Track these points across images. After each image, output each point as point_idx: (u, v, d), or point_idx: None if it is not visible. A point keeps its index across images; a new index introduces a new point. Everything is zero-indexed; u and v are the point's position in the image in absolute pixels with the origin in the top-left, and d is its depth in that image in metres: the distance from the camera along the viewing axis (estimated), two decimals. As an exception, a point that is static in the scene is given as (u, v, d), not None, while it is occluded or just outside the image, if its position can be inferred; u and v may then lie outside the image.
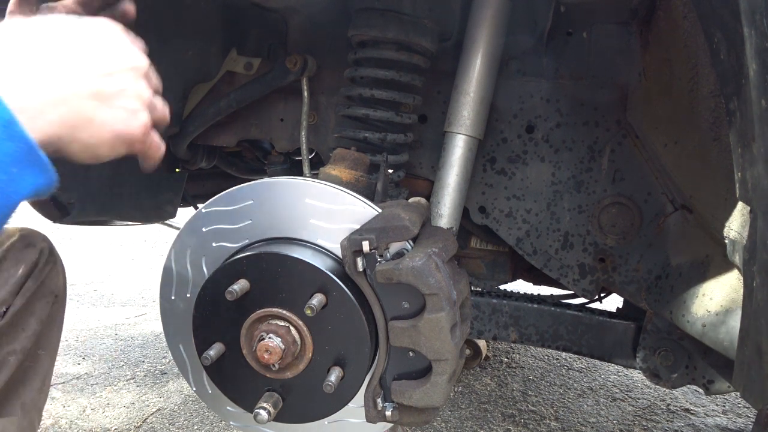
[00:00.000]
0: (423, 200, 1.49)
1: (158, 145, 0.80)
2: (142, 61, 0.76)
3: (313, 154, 1.77)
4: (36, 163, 0.60)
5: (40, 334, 1.25)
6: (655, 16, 1.35)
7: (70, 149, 0.67)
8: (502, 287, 1.83)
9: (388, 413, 1.11)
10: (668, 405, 2.71)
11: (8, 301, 1.20)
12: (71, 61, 0.66)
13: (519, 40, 1.50)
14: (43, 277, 1.27)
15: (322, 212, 1.12)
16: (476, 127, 1.44)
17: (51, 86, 0.63)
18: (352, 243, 1.06)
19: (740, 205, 0.90)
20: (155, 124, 0.79)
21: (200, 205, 1.21)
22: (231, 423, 1.25)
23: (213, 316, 1.13)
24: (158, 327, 3.43)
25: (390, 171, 1.52)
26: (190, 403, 2.56)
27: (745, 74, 0.78)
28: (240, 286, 1.06)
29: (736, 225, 0.92)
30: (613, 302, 1.82)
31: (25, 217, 1.25)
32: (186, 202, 2.14)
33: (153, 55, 1.70)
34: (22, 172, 0.59)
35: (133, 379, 2.80)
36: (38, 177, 0.61)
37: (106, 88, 0.69)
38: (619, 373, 3.01)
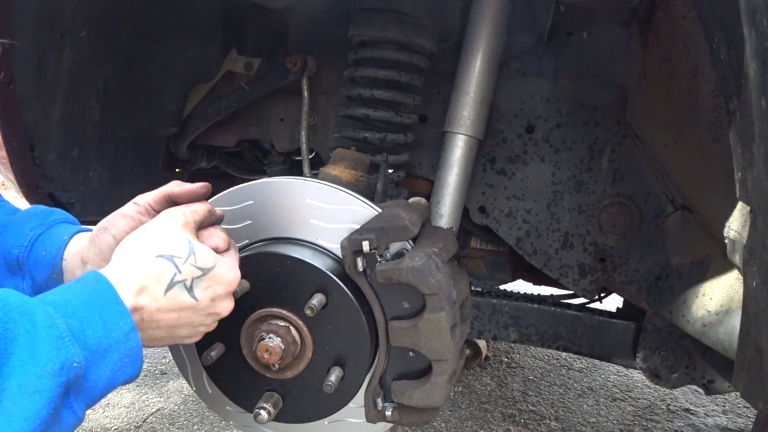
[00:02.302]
0: (423, 200, 1.49)
1: None
2: (233, 280, 0.92)
3: (313, 154, 1.77)
4: (138, 358, 0.79)
5: None
6: (655, 16, 1.35)
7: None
8: (502, 287, 1.83)
9: (388, 413, 1.11)
10: (668, 405, 2.71)
11: None
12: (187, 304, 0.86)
13: (519, 40, 1.50)
14: None
15: (322, 212, 1.12)
16: (476, 127, 1.44)
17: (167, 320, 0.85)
18: (352, 243, 1.06)
19: (740, 205, 0.90)
20: None
21: (200, 205, 1.21)
22: (231, 423, 1.25)
23: (213, 316, 1.13)
24: (158, 327, 3.41)
25: (390, 171, 1.52)
26: (190, 403, 2.56)
27: (745, 74, 0.78)
28: (240, 286, 1.06)
29: (736, 225, 0.91)
30: (613, 302, 1.82)
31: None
32: (186, 202, 2.14)
33: (153, 54, 1.71)
34: (130, 363, 0.78)
35: (133, 379, 2.80)
36: (136, 367, 0.80)
37: (203, 326, 0.91)
38: (619, 373, 3.01)
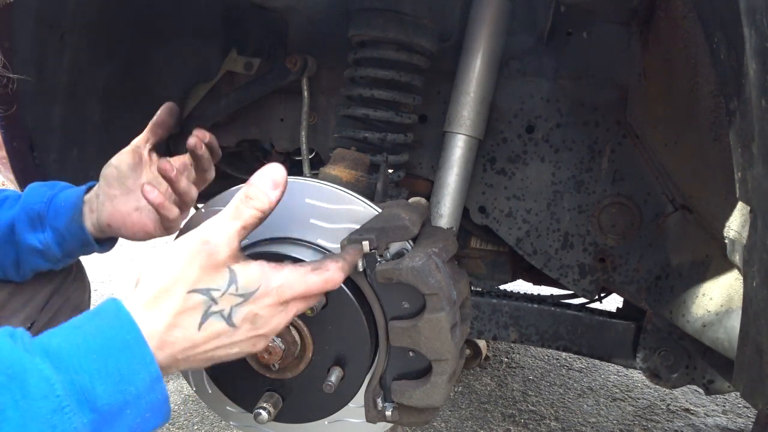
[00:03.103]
0: (423, 200, 1.49)
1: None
2: (288, 292, 0.78)
3: (313, 154, 1.77)
4: (163, 412, 0.69)
5: None
6: (655, 16, 1.35)
7: None
8: (502, 287, 1.83)
9: (388, 413, 1.11)
10: (668, 405, 2.71)
11: (33, 317, 1.19)
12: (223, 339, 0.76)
13: (519, 40, 1.50)
14: (69, 293, 1.27)
15: (322, 212, 1.11)
16: (476, 127, 1.44)
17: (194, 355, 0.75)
18: (352, 243, 1.06)
19: (740, 205, 0.90)
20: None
21: (200, 205, 1.21)
22: (231, 423, 1.25)
23: (213, 316, 1.13)
24: (158, 327, 3.41)
25: (390, 171, 1.52)
26: (190, 403, 2.56)
27: (745, 74, 0.78)
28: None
29: (736, 225, 0.91)
30: (613, 302, 1.82)
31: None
32: (186, 202, 2.14)
33: (153, 55, 1.71)
34: (152, 417, 0.67)
35: (133, 379, 2.79)
36: (160, 420, 0.69)
37: (248, 348, 0.79)
38: (619, 373, 3.01)
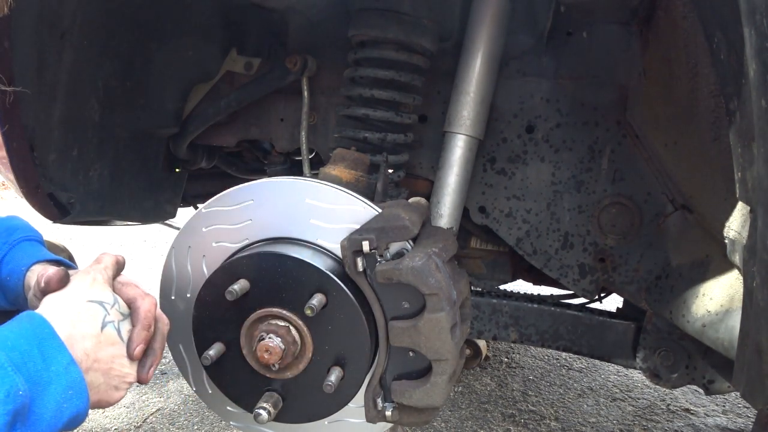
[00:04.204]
0: (423, 200, 1.49)
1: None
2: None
3: (313, 154, 1.77)
4: (83, 389, 0.84)
5: None
6: (655, 16, 1.35)
7: None
8: (502, 287, 1.83)
9: (388, 413, 1.11)
10: (668, 405, 2.71)
11: None
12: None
13: (519, 40, 1.50)
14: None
15: (322, 212, 1.12)
16: (476, 127, 1.44)
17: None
18: (352, 243, 1.06)
19: (740, 205, 0.90)
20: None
21: (200, 205, 1.22)
22: (231, 423, 1.25)
23: (213, 316, 1.13)
24: (158, 327, 3.41)
25: (390, 171, 1.52)
26: (190, 403, 2.56)
27: (745, 74, 0.79)
28: (240, 286, 1.06)
29: (736, 225, 0.92)
30: (613, 302, 1.82)
31: (26, 216, 1.25)
32: (186, 202, 2.14)
33: (153, 54, 1.71)
34: (75, 395, 0.82)
35: (133, 379, 2.79)
36: (82, 400, 0.84)
37: (130, 377, 0.95)
38: (619, 373, 3.01)
